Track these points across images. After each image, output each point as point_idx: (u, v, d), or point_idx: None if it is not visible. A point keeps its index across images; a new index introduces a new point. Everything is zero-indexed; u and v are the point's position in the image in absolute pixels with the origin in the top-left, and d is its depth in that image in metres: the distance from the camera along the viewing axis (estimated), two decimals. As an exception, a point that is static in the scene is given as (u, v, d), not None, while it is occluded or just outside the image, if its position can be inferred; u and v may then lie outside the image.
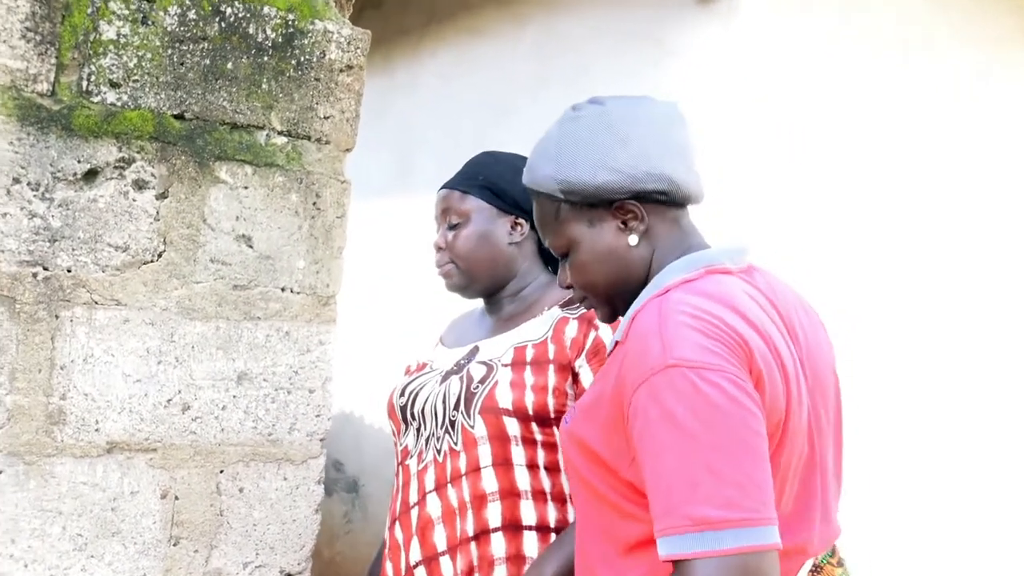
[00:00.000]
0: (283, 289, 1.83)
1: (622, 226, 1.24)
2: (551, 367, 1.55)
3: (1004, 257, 3.36)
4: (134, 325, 1.68)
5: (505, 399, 1.54)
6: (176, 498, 1.73)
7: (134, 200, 1.69)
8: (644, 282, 1.24)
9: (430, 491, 1.61)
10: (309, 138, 1.86)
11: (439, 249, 1.77)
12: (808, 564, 1.16)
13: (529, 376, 1.55)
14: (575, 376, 1.55)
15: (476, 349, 1.70)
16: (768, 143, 2.82)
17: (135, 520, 1.69)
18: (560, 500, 1.54)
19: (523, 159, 1.65)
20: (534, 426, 1.53)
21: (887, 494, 3.06)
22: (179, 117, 1.73)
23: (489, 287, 1.75)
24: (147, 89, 1.70)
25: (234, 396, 1.78)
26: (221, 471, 1.77)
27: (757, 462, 1.02)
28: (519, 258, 1.74)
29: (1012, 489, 3.33)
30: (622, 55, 2.99)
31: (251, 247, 1.79)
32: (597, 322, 1.55)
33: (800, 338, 1.21)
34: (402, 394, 1.75)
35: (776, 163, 2.84)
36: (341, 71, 1.89)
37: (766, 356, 1.10)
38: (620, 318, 1.30)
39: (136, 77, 1.69)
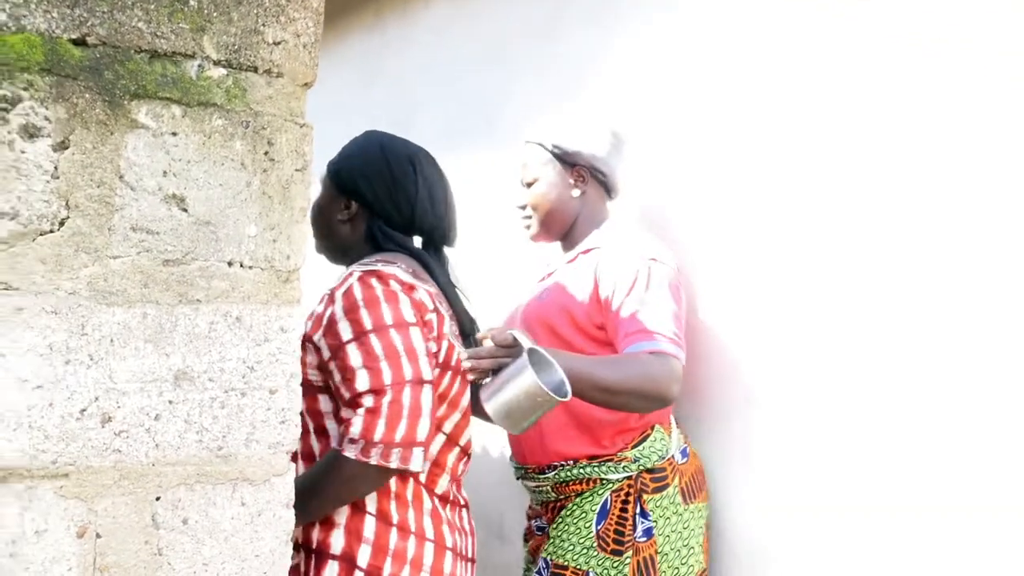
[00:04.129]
0: (230, 263, 1.43)
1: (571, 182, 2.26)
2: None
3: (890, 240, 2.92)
4: (30, 315, 1.29)
5: None
6: (98, 536, 1.34)
7: (22, 152, 1.29)
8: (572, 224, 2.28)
9: None
10: (255, 69, 1.46)
11: None
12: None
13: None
14: (317, 348, 1.77)
15: None
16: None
17: (44, 568, 1.29)
18: (310, 459, 1.84)
19: (371, 136, 1.98)
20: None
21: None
22: (79, 43, 1.33)
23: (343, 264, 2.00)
24: (33, 5, 1.30)
25: (170, 402, 1.39)
26: (157, 498, 1.38)
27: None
28: (351, 237, 1.96)
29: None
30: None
31: (185, 210, 1.40)
32: (336, 296, 1.76)
33: None
34: None
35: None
36: (294, -17, 1.49)
37: None
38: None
39: (18, -9, 1.29)
